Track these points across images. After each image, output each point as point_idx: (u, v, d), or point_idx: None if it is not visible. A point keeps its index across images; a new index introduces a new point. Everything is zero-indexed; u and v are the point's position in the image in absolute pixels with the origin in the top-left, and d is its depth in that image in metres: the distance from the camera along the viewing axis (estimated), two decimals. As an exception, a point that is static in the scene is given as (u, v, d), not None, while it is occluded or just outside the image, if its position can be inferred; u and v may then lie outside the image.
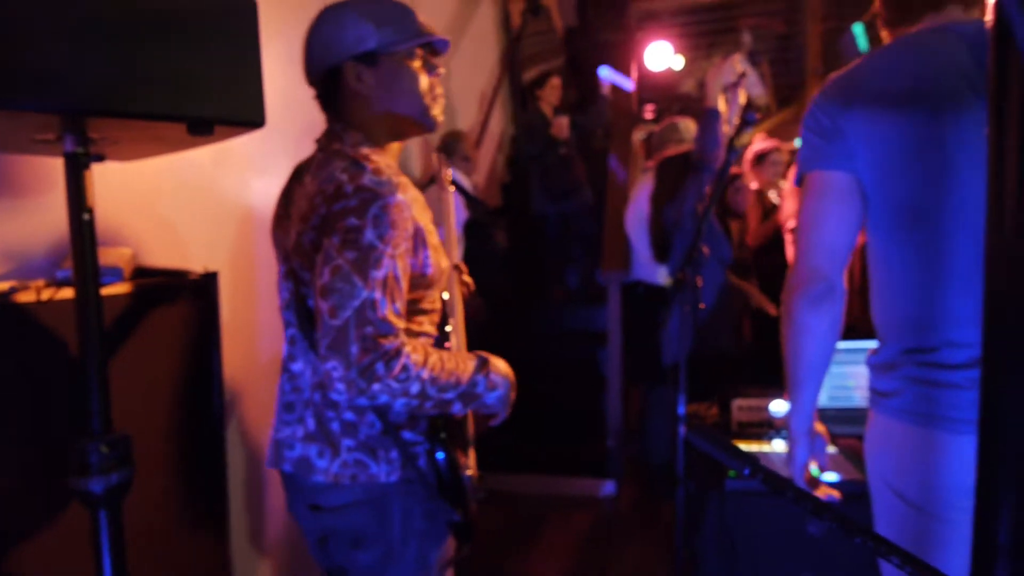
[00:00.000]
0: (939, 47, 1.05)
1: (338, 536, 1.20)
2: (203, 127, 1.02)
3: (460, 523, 1.19)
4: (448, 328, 1.26)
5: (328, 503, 1.17)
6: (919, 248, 1.05)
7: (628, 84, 5.03)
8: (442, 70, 1.23)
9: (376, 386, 1.01)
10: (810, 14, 5.13)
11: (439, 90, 1.23)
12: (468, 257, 3.16)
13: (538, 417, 3.77)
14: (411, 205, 1.12)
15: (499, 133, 5.84)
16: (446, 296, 1.28)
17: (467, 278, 1.57)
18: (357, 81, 1.15)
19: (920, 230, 1.05)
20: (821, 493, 1.16)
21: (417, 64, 1.18)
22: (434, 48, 1.22)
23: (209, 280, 1.63)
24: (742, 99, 3.78)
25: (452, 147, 3.50)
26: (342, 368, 1.00)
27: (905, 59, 1.09)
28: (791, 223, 2.99)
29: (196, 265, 1.68)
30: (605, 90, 5.25)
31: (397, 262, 1.06)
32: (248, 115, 1.07)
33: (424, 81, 1.19)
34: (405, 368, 1.02)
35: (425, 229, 1.15)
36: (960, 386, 1.02)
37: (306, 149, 1.34)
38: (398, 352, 1.02)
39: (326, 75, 1.17)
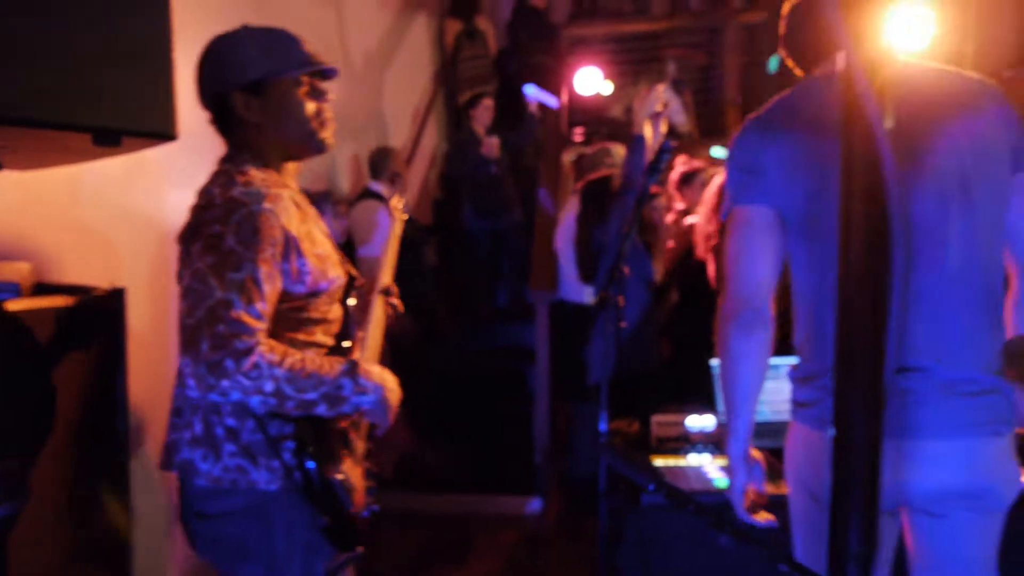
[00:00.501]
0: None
1: (222, 547, 1.22)
2: (109, 138, 0.98)
3: (332, 527, 1.22)
4: (347, 344, 1.30)
5: (211, 509, 1.19)
6: (827, 267, 1.13)
7: (553, 102, 5.15)
8: (332, 96, 1.28)
9: (225, 382, 1.03)
10: (729, 48, 5.43)
11: (328, 114, 1.28)
12: (398, 274, 3.14)
13: (466, 434, 3.77)
14: (283, 214, 1.16)
15: (432, 150, 5.85)
16: (351, 302, 1.32)
17: (396, 300, 1.58)
18: (245, 109, 1.20)
19: (826, 249, 1.12)
20: (761, 518, 1.21)
21: (303, 91, 1.23)
22: (323, 75, 1.27)
23: (115, 297, 1.55)
24: (663, 127, 3.94)
25: (380, 164, 3.48)
26: (192, 364, 1.04)
27: (810, 97, 1.19)
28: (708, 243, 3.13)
29: (110, 280, 1.59)
30: (533, 108, 5.36)
31: (260, 267, 1.10)
32: (159, 127, 1.04)
33: (310, 107, 1.24)
34: (256, 366, 1.05)
35: (303, 238, 1.19)
36: None
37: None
38: (250, 350, 1.05)
39: (217, 103, 1.23)
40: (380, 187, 3.56)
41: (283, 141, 1.24)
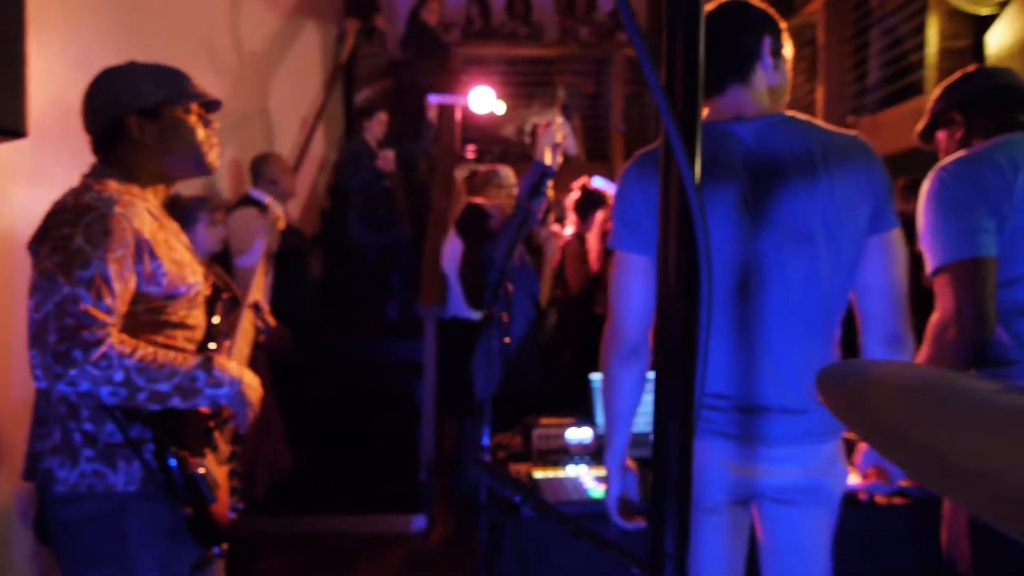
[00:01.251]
0: (719, 137, 1.23)
1: (79, 552, 1.23)
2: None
3: (194, 520, 1.24)
4: (212, 347, 1.36)
5: (68, 515, 1.21)
6: None
7: (453, 111, 5.19)
8: (216, 124, 1.40)
9: (73, 371, 1.07)
10: (615, 78, 5.72)
11: (214, 139, 1.39)
12: (277, 287, 3.02)
13: (350, 452, 3.66)
14: (136, 219, 1.21)
15: (321, 157, 5.68)
16: (216, 320, 1.38)
17: (268, 316, 1.59)
18: (140, 131, 1.29)
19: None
20: (632, 522, 1.34)
21: (193, 119, 1.35)
22: (209, 106, 1.39)
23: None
24: (559, 157, 4.08)
25: (259, 169, 3.34)
26: (39, 355, 1.08)
27: (710, 140, 1.20)
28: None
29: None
30: (432, 117, 5.37)
31: (110, 265, 1.14)
32: (8, 123, 0.96)
33: (200, 132, 1.35)
34: (106, 356, 1.09)
35: (158, 243, 1.25)
36: (719, 408, 1.23)
37: (86, 160, 1.33)
38: (99, 341, 1.09)
39: (109, 125, 1.30)
40: (262, 194, 3.41)
41: (172, 162, 1.33)
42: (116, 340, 1.12)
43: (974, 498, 0.38)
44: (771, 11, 1.30)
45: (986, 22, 3.30)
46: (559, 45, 6.28)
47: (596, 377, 2.20)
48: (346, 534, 3.33)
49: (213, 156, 1.38)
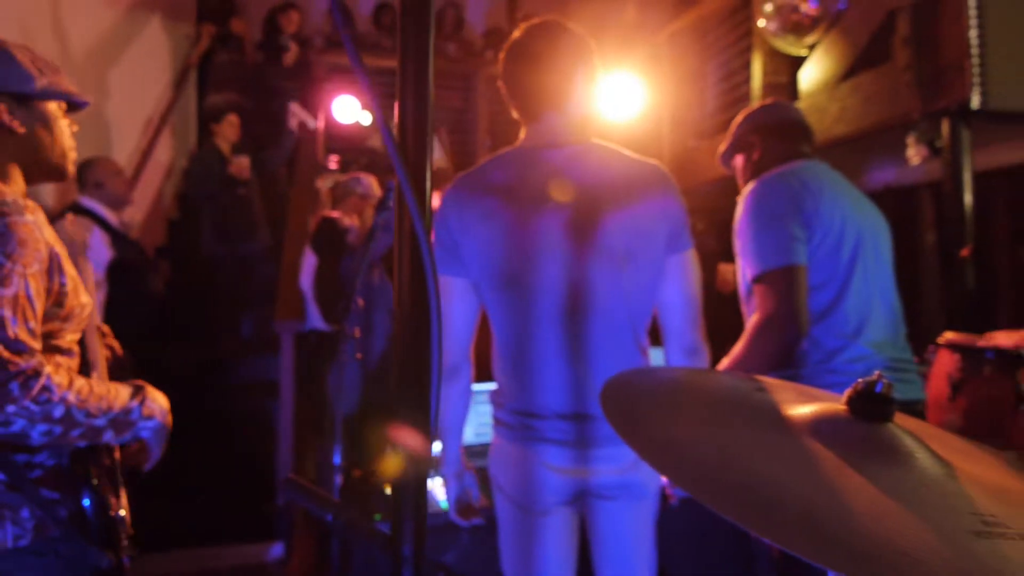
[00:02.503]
0: (531, 162, 1.30)
1: None
2: None
3: (110, 569, 1.12)
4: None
5: None
6: (528, 316, 1.29)
7: (312, 123, 5.04)
8: (75, 127, 1.28)
9: (11, 408, 0.94)
10: (480, 94, 5.84)
11: (73, 143, 1.28)
12: (113, 304, 2.75)
13: (198, 482, 3.40)
14: (45, 228, 1.10)
15: (168, 163, 5.27)
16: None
17: (112, 341, 1.41)
18: (9, 115, 1.15)
19: (526, 301, 1.28)
20: (468, 519, 1.42)
21: (63, 119, 1.24)
22: (74, 106, 1.27)
23: None
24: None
25: (82, 174, 3.03)
26: None
27: (501, 170, 1.31)
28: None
29: None
30: (293, 125, 5.17)
31: (29, 281, 1.02)
32: None
33: (68, 134, 1.24)
34: (46, 389, 0.97)
35: (62, 256, 1.12)
36: (547, 418, 1.30)
37: None
38: (36, 372, 0.97)
39: None
40: (95, 203, 3.10)
41: (36, 159, 1.19)
42: (51, 368, 0.99)
43: (698, 491, 0.43)
44: (584, 37, 1.32)
45: (800, 61, 3.75)
46: (426, 59, 6.30)
47: (453, 389, 2.22)
48: (199, 570, 3.08)
49: (71, 158, 1.26)
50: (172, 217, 5.12)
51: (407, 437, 0.50)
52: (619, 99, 4.26)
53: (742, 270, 1.61)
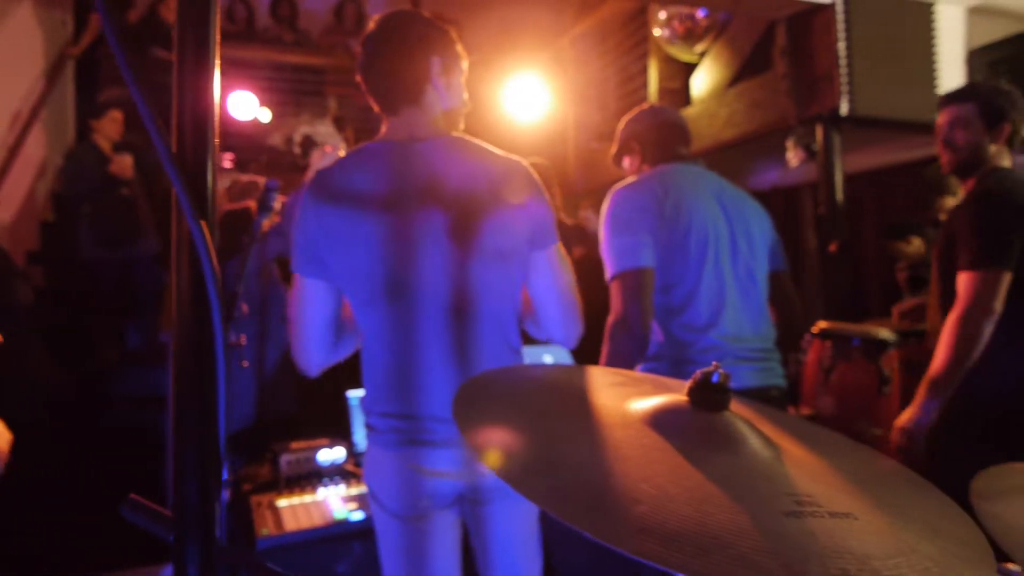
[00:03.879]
0: (396, 157, 1.23)
1: None
2: None
3: None
4: None
5: None
6: (410, 325, 1.25)
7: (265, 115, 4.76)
8: None
9: None
10: (387, 93, 5.72)
11: None
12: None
13: (81, 505, 3.14)
14: None
15: (40, 160, 4.84)
16: None
17: None
18: None
19: (394, 302, 1.23)
20: None
21: None
22: None
23: None
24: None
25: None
26: None
27: (370, 165, 1.24)
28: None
29: None
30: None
31: None
32: None
33: None
34: None
35: None
36: (435, 443, 1.26)
37: None
38: None
39: None
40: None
41: None
42: None
43: (520, 484, 0.43)
44: (441, 27, 1.29)
45: (693, 68, 3.93)
46: (329, 55, 6.12)
47: (353, 394, 2.16)
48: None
49: None
50: (46, 219, 4.70)
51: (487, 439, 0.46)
52: (525, 101, 4.31)
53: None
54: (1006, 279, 1.62)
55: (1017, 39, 3.18)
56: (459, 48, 1.30)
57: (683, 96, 4.05)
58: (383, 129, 1.32)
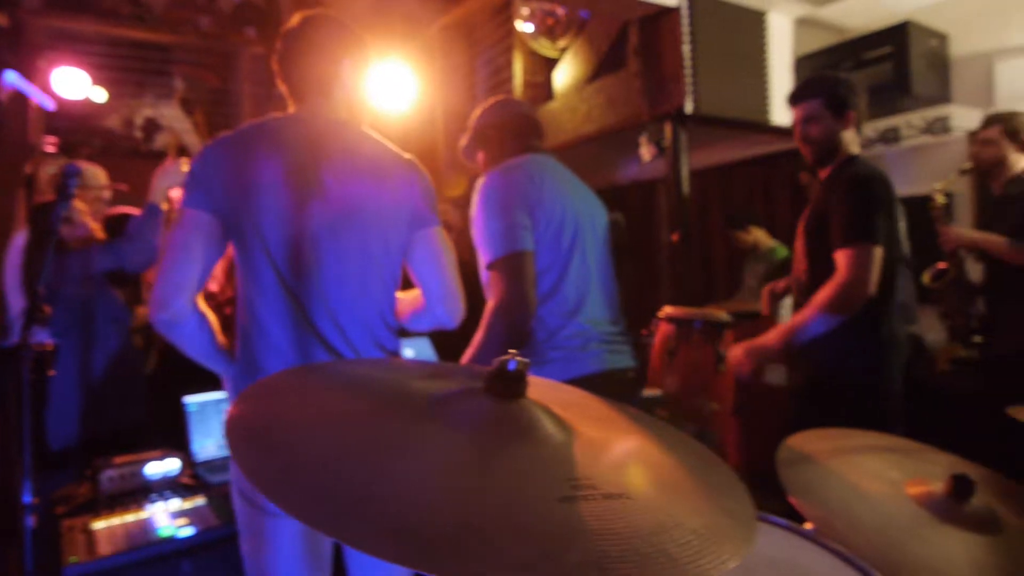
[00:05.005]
0: (299, 129, 1.35)
1: None
2: None
3: None
4: None
5: None
6: (254, 284, 1.28)
7: (46, 102, 4.22)
8: None
9: None
10: (244, 75, 5.38)
11: None
12: None
13: None
14: None
15: None
16: None
17: None
18: None
19: (270, 271, 1.27)
20: None
21: None
22: None
23: None
24: (174, 143, 3.64)
25: None
26: None
27: (275, 133, 1.33)
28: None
29: None
30: (2, 96, 4.27)
31: None
32: None
33: None
34: None
35: None
36: None
37: None
38: None
39: None
40: None
41: None
42: None
43: (274, 494, 0.41)
44: (355, 32, 1.43)
45: (555, 63, 4.02)
46: (174, 32, 5.64)
47: (192, 400, 2.00)
48: None
49: None
50: None
51: None
52: (393, 89, 4.21)
53: (480, 259, 1.67)
54: (879, 253, 1.78)
55: (836, 48, 3.57)
56: (368, 52, 1.45)
57: (547, 90, 4.14)
58: (290, 110, 1.42)
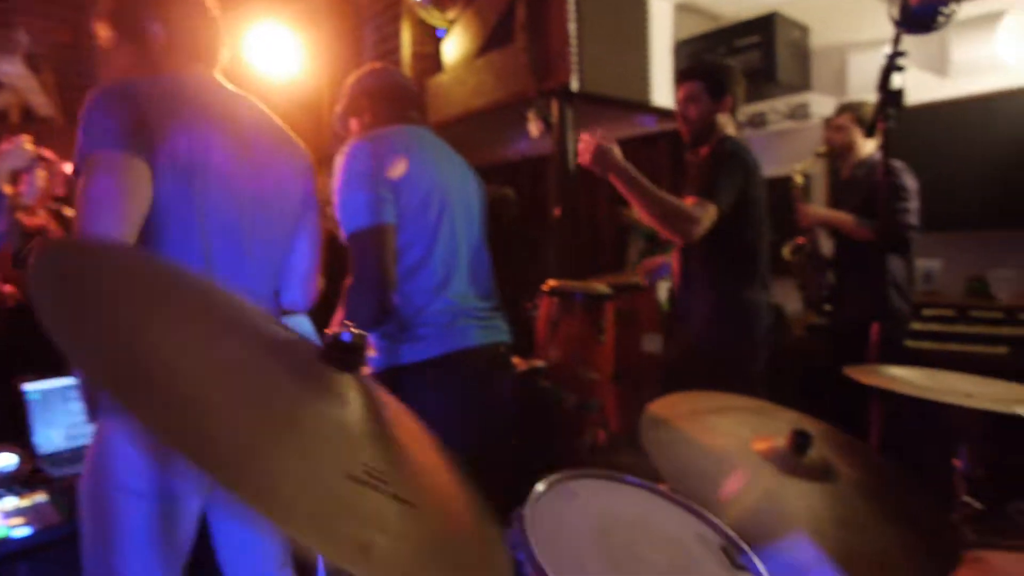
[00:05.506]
0: (199, 88, 1.31)
1: None
2: None
3: None
4: None
5: None
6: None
7: None
8: None
9: None
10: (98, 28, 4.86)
11: None
12: None
13: None
14: None
15: None
16: None
17: None
18: None
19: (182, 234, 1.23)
20: None
21: None
22: None
23: None
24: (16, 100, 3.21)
25: None
26: None
27: (185, 86, 1.28)
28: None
29: None
30: None
31: None
32: None
33: None
34: None
35: None
36: None
37: None
38: None
39: None
40: None
41: None
42: None
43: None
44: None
45: (445, 34, 3.94)
46: (11, -24, 5.00)
47: (32, 388, 1.81)
48: None
49: None
50: None
51: None
52: (277, 55, 3.95)
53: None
54: (713, 211, 1.95)
55: (711, 35, 3.74)
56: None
57: (436, 62, 4.06)
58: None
